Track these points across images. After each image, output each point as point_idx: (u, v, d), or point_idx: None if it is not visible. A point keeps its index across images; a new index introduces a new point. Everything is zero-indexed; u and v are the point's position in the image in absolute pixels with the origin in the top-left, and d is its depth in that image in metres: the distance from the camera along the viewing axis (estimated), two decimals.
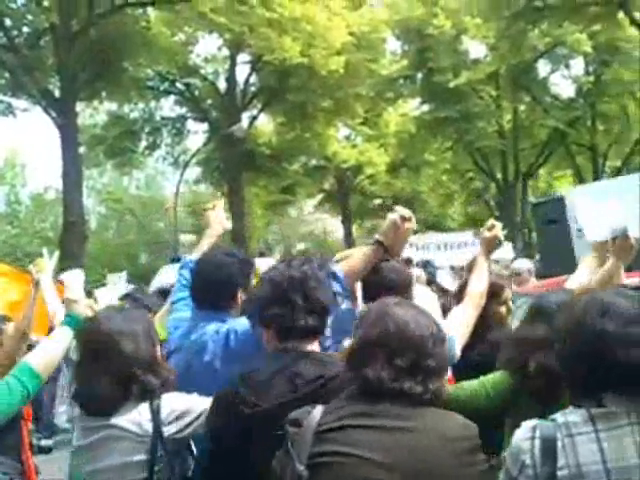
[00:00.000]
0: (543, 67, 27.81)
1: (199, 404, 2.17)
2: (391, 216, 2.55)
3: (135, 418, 2.14)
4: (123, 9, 18.97)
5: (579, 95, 27.34)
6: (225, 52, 25.79)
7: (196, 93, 26.82)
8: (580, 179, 27.64)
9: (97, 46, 18.71)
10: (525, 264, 5.63)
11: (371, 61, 24.28)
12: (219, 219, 3.24)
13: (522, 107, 27.28)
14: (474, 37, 24.00)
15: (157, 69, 24.45)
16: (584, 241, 7.30)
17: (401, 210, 2.56)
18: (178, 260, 9.48)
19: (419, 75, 27.05)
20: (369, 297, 2.62)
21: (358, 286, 2.73)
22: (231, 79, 26.08)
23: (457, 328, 2.63)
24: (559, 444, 1.53)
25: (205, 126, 27.78)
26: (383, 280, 2.66)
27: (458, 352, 2.58)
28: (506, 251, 6.06)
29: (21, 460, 2.92)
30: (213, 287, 2.59)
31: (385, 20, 24.39)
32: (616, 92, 25.81)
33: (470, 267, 3.03)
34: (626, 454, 1.49)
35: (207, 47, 50.61)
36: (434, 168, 31.30)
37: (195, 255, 3.00)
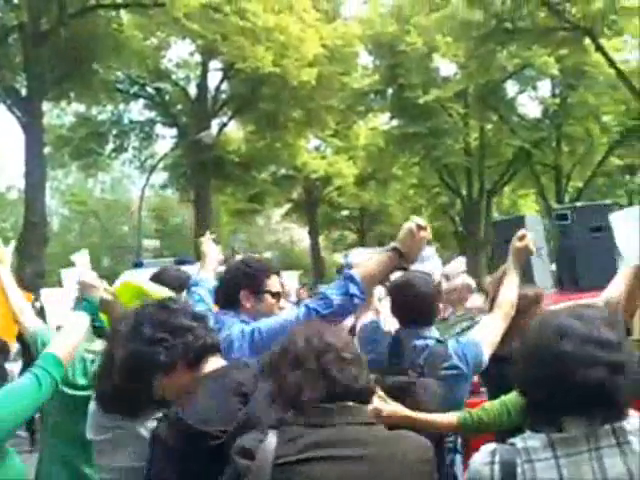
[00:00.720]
0: (511, 87, 28.38)
1: None
2: (408, 224, 2.59)
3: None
4: (95, 10, 18.84)
5: (545, 116, 27.90)
6: (197, 58, 25.72)
7: (166, 98, 26.65)
8: (543, 198, 28.17)
9: (67, 46, 18.49)
10: (466, 280, 5.48)
11: (343, 74, 24.49)
12: (214, 253, 3.41)
13: (489, 126, 27.72)
14: (445, 55, 24.36)
15: (128, 72, 24.26)
16: (541, 260, 7.47)
17: (417, 219, 2.60)
18: (141, 265, 9.24)
19: (390, 90, 27.33)
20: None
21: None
22: (202, 85, 25.99)
23: (485, 336, 2.80)
24: (519, 470, 1.50)
25: (174, 131, 27.65)
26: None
27: (486, 358, 2.75)
28: (457, 266, 5.93)
29: None
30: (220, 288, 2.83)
31: (358, 35, 24.61)
32: (581, 115, 26.42)
33: (500, 278, 3.08)
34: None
35: (179, 52, 50.39)
36: (401, 182, 31.60)
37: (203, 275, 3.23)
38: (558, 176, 28.07)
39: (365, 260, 2.80)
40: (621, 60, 22.72)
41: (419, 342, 2.86)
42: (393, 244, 2.59)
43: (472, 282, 5.53)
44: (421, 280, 3.00)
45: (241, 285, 2.68)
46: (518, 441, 1.54)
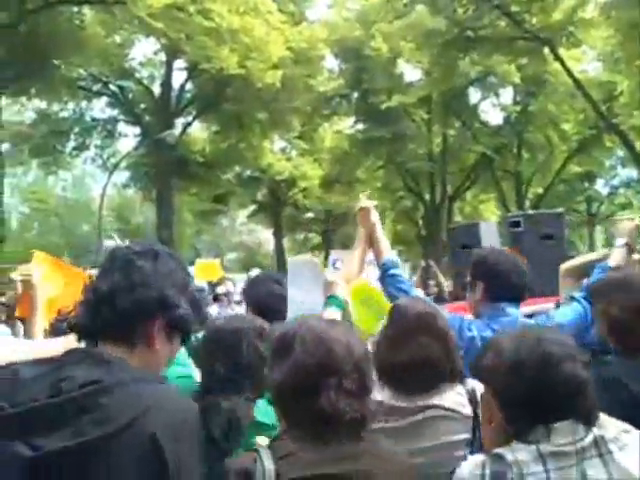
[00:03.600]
0: (474, 94, 28.82)
1: None
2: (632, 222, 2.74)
3: (456, 399, 2.15)
4: (56, 6, 18.52)
5: (507, 123, 28.38)
6: (162, 57, 25.50)
7: (130, 96, 26.35)
8: (503, 204, 28.63)
9: (27, 42, 18.16)
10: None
11: (308, 76, 24.52)
12: None
13: (452, 132, 28.08)
14: (409, 61, 24.66)
15: (90, 69, 23.92)
16: None
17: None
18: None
19: (355, 94, 27.51)
20: None
21: None
22: (166, 84, 25.76)
23: None
24: None
25: (137, 130, 27.34)
26: None
27: None
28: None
29: None
30: None
31: (323, 38, 24.68)
32: (541, 123, 26.98)
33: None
34: None
35: (144, 50, 49.61)
36: (366, 185, 31.74)
37: None
38: (518, 182, 28.57)
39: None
40: (580, 70, 23.30)
41: None
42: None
43: None
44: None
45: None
46: (507, 453, 1.54)
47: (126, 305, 1.45)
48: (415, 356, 2.15)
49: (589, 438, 1.54)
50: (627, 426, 1.61)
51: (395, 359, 2.18)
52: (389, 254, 3.00)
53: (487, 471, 1.53)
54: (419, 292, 2.93)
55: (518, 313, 2.81)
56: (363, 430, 1.60)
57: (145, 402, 1.34)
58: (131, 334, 1.46)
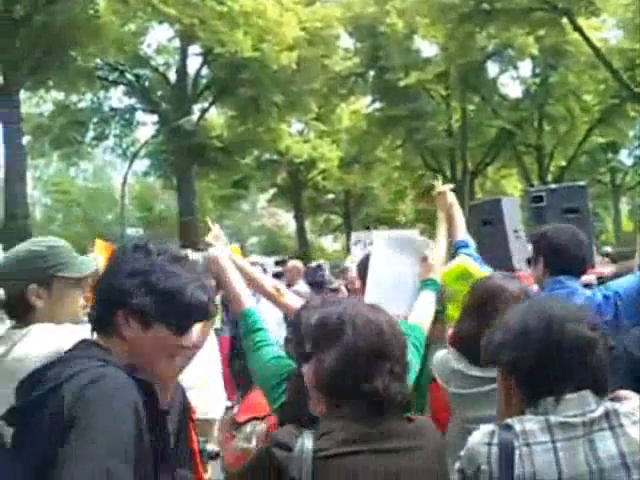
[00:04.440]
0: (492, 68, 28.41)
1: None
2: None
3: None
4: None
5: (526, 96, 27.95)
6: (176, 43, 25.47)
7: (146, 84, 26.40)
8: (526, 178, 28.30)
9: (43, 34, 18.23)
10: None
11: (323, 57, 24.33)
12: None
13: (471, 107, 27.74)
14: (425, 37, 24.30)
15: (106, 59, 23.98)
16: (519, 241, 7.56)
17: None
18: None
19: (371, 73, 27.26)
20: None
21: None
22: (182, 71, 25.76)
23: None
24: (517, 452, 1.51)
25: (155, 118, 27.40)
26: None
27: None
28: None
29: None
30: None
31: (338, 17, 24.46)
32: (562, 94, 26.53)
33: None
34: (578, 464, 1.50)
35: (158, 37, 49.70)
36: (385, 165, 31.61)
37: None
38: (540, 156, 28.19)
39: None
40: (600, 39, 22.79)
41: None
42: None
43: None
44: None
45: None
46: (516, 423, 1.55)
47: (97, 299, 1.57)
48: (487, 328, 2.21)
49: (600, 410, 1.53)
50: None
51: (469, 331, 2.32)
52: (462, 235, 3.13)
53: (495, 440, 1.55)
54: (489, 269, 2.99)
55: (577, 285, 2.90)
56: (406, 412, 1.66)
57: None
58: (105, 326, 1.52)
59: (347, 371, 1.61)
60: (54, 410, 1.32)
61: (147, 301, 1.49)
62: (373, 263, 2.82)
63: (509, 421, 1.57)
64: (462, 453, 1.61)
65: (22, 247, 2.12)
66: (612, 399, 1.62)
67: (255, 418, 2.98)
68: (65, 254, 2.12)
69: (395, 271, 2.78)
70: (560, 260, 2.91)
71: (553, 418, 1.53)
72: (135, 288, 1.49)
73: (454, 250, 3.07)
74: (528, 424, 1.54)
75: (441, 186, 3.29)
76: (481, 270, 2.89)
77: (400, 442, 1.60)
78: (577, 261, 2.93)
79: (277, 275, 9.35)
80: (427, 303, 2.56)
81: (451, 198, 3.21)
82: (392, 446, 1.59)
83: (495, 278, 2.52)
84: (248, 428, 3.31)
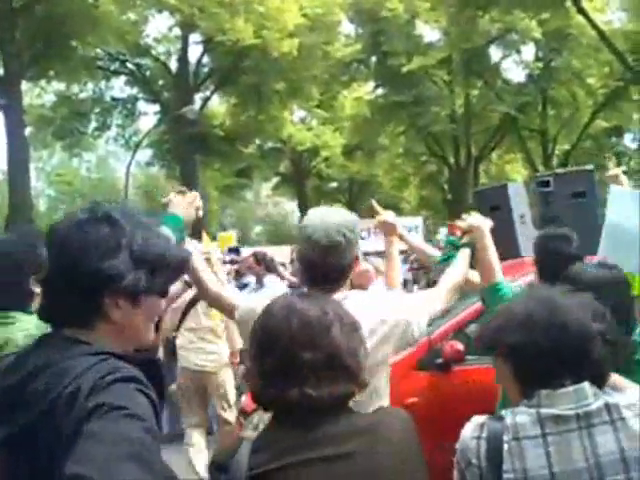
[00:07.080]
0: (495, 52, 28.13)
1: None
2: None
3: None
4: None
5: (530, 80, 27.71)
6: (177, 32, 25.32)
7: (147, 73, 26.31)
8: (530, 163, 28.18)
9: (43, 24, 18.14)
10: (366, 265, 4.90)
11: (325, 43, 24.20)
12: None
13: (474, 92, 27.54)
14: (427, 21, 24.11)
15: (107, 49, 23.89)
16: (526, 227, 7.52)
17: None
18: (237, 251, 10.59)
19: (373, 59, 27.07)
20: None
21: None
22: (183, 59, 25.62)
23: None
24: (505, 447, 1.49)
25: (156, 107, 27.35)
26: None
27: None
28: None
29: None
30: None
31: (339, 2, 24.28)
32: (565, 78, 26.30)
33: None
34: (572, 458, 1.47)
35: (158, 26, 49.27)
36: (389, 151, 31.45)
37: None
38: (545, 140, 28.03)
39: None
40: (604, 21, 22.58)
41: None
42: None
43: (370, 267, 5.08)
44: None
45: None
46: (508, 415, 1.53)
47: (61, 291, 1.34)
48: None
49: (598, 403, 1.50)
50: None
51: None
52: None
53: (484, 434, 1.53)
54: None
55: None
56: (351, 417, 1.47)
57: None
58: (82, 317, 1.34)
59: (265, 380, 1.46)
60: (69, 401, 1.18)
61: (137, 277, 1.33)
62: (610, 216, 2.76)
63: (503, 412, 1.55)
64: (456, 446, 1.59)
65: None
66: (612, 388, 1.59)
67: None
68: None
69: (632, 226, 2.70)
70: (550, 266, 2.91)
71: (544, 411, 1.50)
72: (121, 267, 1.32)
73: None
74: (519, 417, 1.52)
75: (382, 215, 2.88)
76: None
77: (338, 447, 1.40)
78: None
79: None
80: None
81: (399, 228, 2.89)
82: (330, 453, 1.39)
83: None
84: (255, 418, 3.33)
